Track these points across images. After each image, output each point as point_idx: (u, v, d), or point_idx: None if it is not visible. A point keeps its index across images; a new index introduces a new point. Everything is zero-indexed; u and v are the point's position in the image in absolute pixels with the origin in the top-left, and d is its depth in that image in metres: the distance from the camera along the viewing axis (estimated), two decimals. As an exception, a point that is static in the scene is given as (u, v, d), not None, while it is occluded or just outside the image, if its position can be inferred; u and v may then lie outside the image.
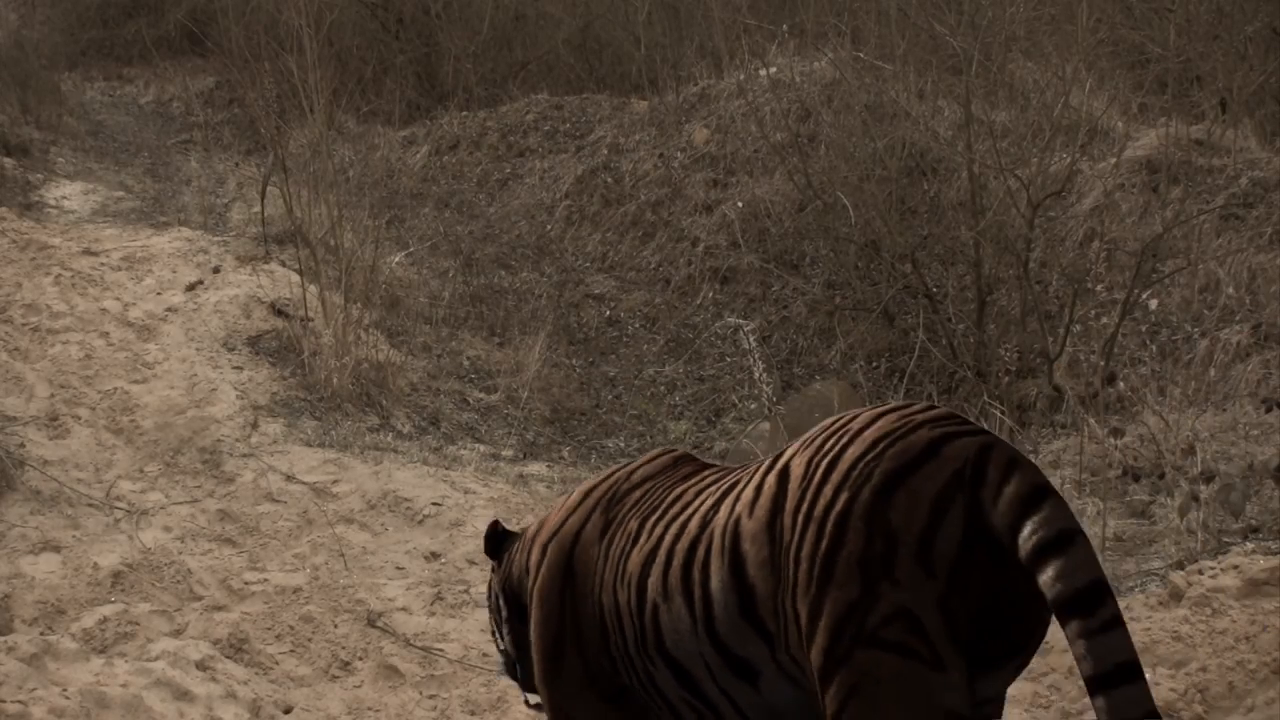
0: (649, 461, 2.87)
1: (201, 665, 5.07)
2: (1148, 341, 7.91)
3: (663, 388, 9.46)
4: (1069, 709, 4.70)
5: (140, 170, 14.04)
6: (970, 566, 2.11)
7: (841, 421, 2.37)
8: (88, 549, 6.15)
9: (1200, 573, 5.02)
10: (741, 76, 11.44)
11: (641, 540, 2.56)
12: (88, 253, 10.07)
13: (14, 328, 8.55)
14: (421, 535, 6.54)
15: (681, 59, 12.80)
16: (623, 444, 8.66)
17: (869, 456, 2.19)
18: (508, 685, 5.15)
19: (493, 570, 3.17)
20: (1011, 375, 8.08)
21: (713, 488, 2.59)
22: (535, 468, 7.90)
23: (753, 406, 8.72)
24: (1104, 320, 8.15)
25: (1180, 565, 5.35)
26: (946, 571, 2.10)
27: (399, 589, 5.95)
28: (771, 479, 2.37)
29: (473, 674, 5.25)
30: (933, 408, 2.33)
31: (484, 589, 5.84)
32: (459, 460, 7.76)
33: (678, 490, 2.64)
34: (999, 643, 2.18)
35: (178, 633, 5.51)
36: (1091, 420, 6.95)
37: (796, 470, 2.29)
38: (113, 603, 5.70)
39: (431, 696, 5.15)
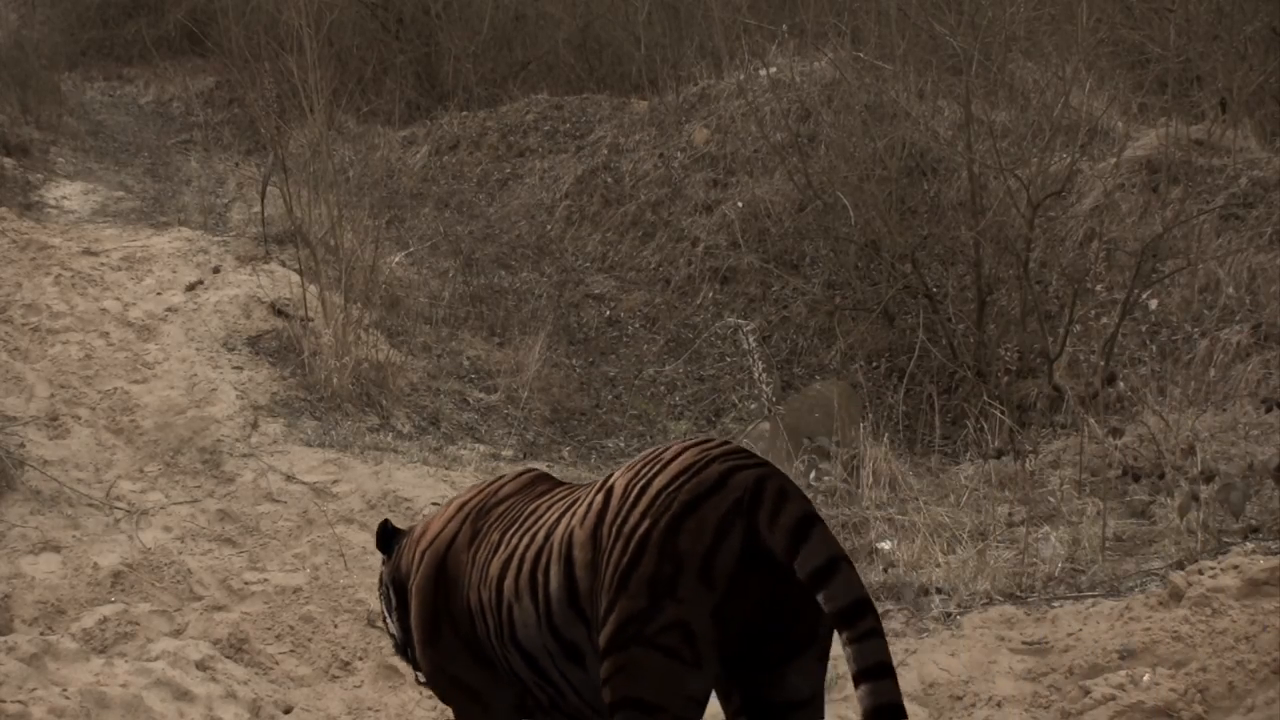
0: (512, 480, 3.35)
1: (201, 665, 5.07)
2: (1148, 341, 7.91)
3: (663, 388, 9.46)
4: (1069, 709, 4.70)
5: (140, 170, 14.04)
6: (747, 577, 2.60)
7: (656, 452, 2.90)
8: (88, 549, 6.15)
9: (1200, 573, 5.02)
10: (741, 76, 11.44)
11: (501, 549, 3.03)
12: (88, 253, 10.07)
13: (14, 328, 8.55)
14: (421, 535, 6.54)
15: (681, 59, 12.79)
16: (623, 444, 8.66)
17: (671, 487, 2.69)
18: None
19: (383, 563, 3.60)
20: (1011, 375, 8.08)
21: (559, 504, 3.06)
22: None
23: (753, 406, 8.73)
24: (1104, 320, 8.15)
25: (1180, 565, 5.35)
26: (725, 583, 2.60)
27: (399, 589, 5.96)
28: (599, 497, 2.86)
29: (473, 674, 5.26)
30: (726, 443, 2.85)
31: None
32: (459, 460, 7.76)
33: (532, 506, 3.11)
34: (785, 639, 2.65)
35: (178, 633, 5.52)
36: (1091, 420, 6.95)
37: (618, 490, 2.80)
38: (113, 603, 5.70)
39: (431, 696, 5.15)
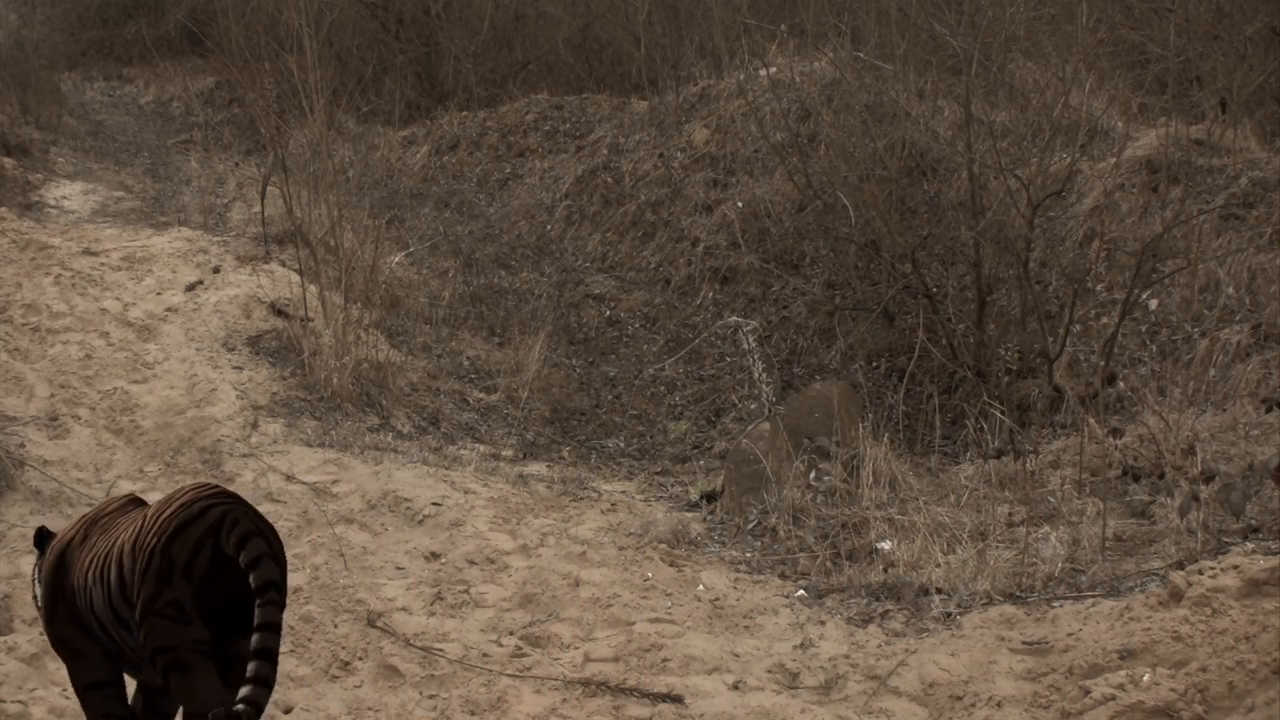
0: (117, 501, 4.53)
1: (201, 665, 5.06)
2: (1148, 341, 7.91)
3: (663, 388, 9.46)
4: (1069, 709, 4.70)
5: (140, 170, 14.06)
6: (215, 576, 3.99)
7: (173, 493, 4.21)
8: (88, 549, 6.15)
9: (1200, 573, 5.02)
10: (741, 76, 11.44)
11: (94, 550, 4.31)
12: (88, 253, 10.08)
13: (14, 328, 8.55)
14: (421, 535, 6.54)
15: (681, 59, 12.79)
16: (623, 444, 8.66)
17: (175, 515, 4.06)
18: (507, 685, 5.16)
19: (37, 559, 4.64)
20: (1011, 375, 8.08)
21: (128, 521, 4.27)
22: (535, 468, 7.90)
23: (753, 406, 8.72)
24: (1104, 320, 8.15)
25: (1180, 565, 5.35)
26: (200, 579, 3.99)
27: (399, 589, 5.96)
28: (140, 520, 4.17)
29: (473, 674, 5.26)
30: (217, 488, 4.19)
31: (483, 589, 6.02)
32: (459, 460, 7.76)
33: (118, 520, 4.36)
34: (246, 616, 3.96)
35: (178, 633, 5.50)
36: (1091, 420, 6.95)
37: (149, 520, 4.11)
38: (113, 603, 5.70)
39: (431, 696, 5.15)
